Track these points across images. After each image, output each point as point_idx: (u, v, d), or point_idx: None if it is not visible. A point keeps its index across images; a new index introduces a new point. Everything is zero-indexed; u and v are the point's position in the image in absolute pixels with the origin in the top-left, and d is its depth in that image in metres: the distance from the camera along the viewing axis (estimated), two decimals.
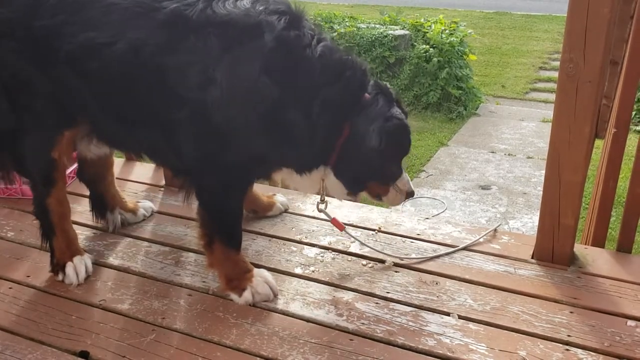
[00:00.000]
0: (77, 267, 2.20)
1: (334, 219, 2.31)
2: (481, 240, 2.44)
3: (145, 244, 2.46)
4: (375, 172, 2.06)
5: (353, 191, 2.14)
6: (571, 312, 2.01)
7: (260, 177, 2.20)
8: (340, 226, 2.32)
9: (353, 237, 2.39)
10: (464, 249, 2.37)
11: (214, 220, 2.08)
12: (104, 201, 2.51)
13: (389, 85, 2.07)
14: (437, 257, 2.33)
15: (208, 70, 1.84)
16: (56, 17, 1.90)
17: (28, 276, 2.24)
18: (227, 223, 2.10)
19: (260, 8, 1.87)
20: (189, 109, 1.90)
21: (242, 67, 1.84)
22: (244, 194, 2.18)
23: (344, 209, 2.69)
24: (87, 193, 2.55)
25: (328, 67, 1.90)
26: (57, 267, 2.21)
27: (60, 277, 2.20)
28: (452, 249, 2.36)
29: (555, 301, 2.07)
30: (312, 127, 1.90)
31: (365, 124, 1.94)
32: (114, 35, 1.88)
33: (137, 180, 3.02)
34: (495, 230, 2.49)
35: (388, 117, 1.97)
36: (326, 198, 2.27)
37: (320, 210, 2.30)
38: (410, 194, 2.17)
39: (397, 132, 2.00)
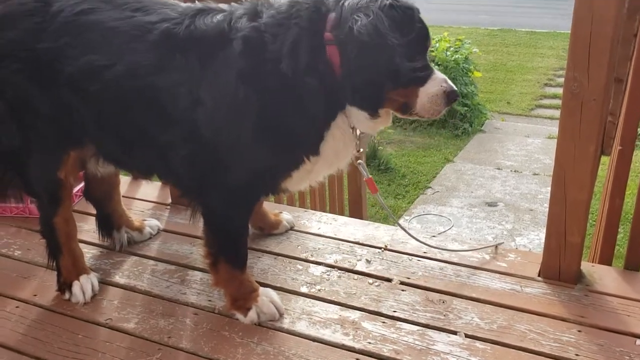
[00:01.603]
0: (84, 286, 2.20)
1: (369, 178, 2.14)
2: (483, 256, 2.43)
3: (152, 262, 2.46)
4: (386, 69, 1.72)
5: (373, 110, 1.81)
6: (579, 331, 2.00)
7: (269, 192, 2.14)
8: (374, 187, 2.14)
9: (382, 204, 2.33)
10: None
11: (218, 240, 2.08)
12: (110, 220, 2.52)
13: None
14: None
15: (193, 90, 1.86)
16: (59, 40, 1.93)
17: (35, 295, 2.24)
18: (232, 243, 2.10)
19: (228, 18, 1.88)
20: (181, 130, 1.91)
21: (221, 79, 1.84)
22: (249, 213, 2.17)
23: (350, 226, 2.69)
24: (94, 211, 2.56)
25: (279, 26, 1.79)
26: (64, 285, 2.22)
27: (67, 295, 2.21)
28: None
29: (563, 320, 2.06)
30: (302, 91, 1.78)
31: (346, 20, 1.70)
32: (113, 57, 1.91)
33: (143, 198, 3.04)
34: (495, 247, 2.48)
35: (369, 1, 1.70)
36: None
37: (357, 164, 2.08)
38: (452, 95, 1.79)
39: (400, 6, 1.73)
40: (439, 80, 1.78)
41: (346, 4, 1.76)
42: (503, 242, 2.58)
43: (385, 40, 1.67)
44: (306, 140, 1.91)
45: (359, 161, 2.07)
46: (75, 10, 1.94)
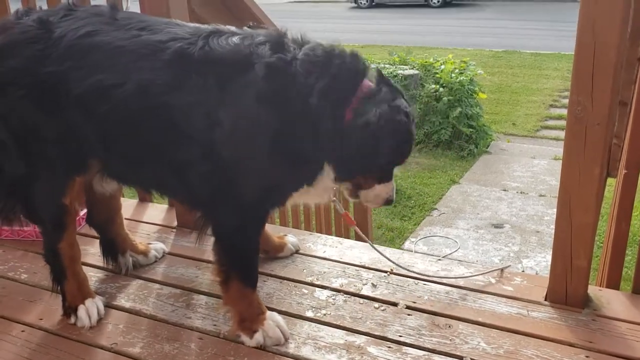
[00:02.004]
0: (89, 310, 2.20)
1: (345, 213, 2.35)
2: (489, 279, 2.42)
3: (157, 286, 2.46)
4: (369, 162, 1.96)
5: (341, 176, 2.02)
6: (587, 357, 1.98)
7: (276, 206, 2.17)
8: (351, 221, 2.36)
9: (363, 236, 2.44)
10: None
11: (230, 256, 2.08)
12: (114, 245, 2.52)
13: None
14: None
15: (211, 111, 1.88)
16: (64, 64, 1.93)
17: (41, 319, 2.24)
18: (244, 259, 2.10)
19: (247, 43, 1.91)
20: (198, 149, 1.92)
21: (240, 102, 1.87)
22: (261, 228, 2.19)
23: (356, 250, 2.69)
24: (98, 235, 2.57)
25: (314, 66, 1.88)
26: (69, 310, 2.22)
27: (72, 320, 2.21)
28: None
29: (570, 345, 2.04)
30: (317, 129, 1.88)
31: (368, 108, 1.88)
32: (122, 77, 1.92)
33: (149, 221, 3.05)
34: (501, 270, 2.48)
35: (393, 105, 1.90)
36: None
37: (332, 202, 2.30)
38: (389, 200, 2.10)
39: (400, 123, 1.91)
40: (390, 187, 2.09)
41: (382, 91, 1.94)
42: (510, 265, 2.57)
43: (385, 147, 1.91)
44: (309, 170, 2.01)
45: (333, 199, 2.28)
46: (78, 34, 1.95)
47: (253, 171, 1.95)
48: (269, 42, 1.91)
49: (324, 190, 2.13)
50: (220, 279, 2.09)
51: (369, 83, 1.95)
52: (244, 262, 2.11)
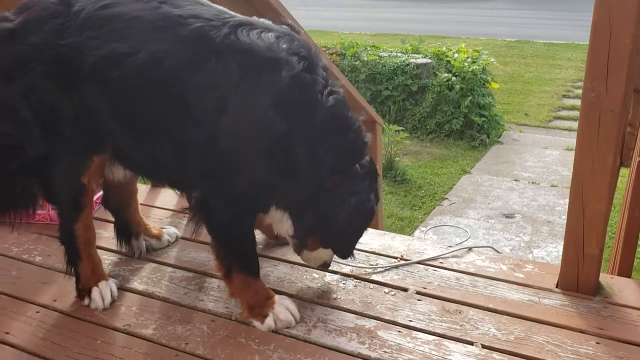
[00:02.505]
0: (103, 292, 2.23)
1: None
2: (500, 267, 2.42)
3: (170, 269, 2.49)
4: (327, 233, 2.09)
5: (296, 237, 2.14)
6: (597, 343, 1.98)
7: (262, 209, 2.15)
8: None
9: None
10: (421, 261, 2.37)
11: (228, 250, 2.10)
12: (129, 228, 2.55)
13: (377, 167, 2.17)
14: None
15: (224, 97, 1.88)
16: (82, 35, 1.94)
17: (55, 300, 2.27)
18: (241, 251, 2.12)
19: (283, 46, 1.90)
20: (202, 130, 1.92)
21: (254, 98, 1.87)
22: (252, 220, 2.17)
23: (366, 236, 2.66)
24: (113, 219, 2.59)
25: (336, 118, 1.95)
26: (83, 291, 2.25)
27: (86, 301, 2.23)
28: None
29: (581, 331, 2.04)
30: (310, 167, 1.93)
31: (351, 191, 2.02)
32: (136, 45, 1.92)
33: (162, 206, 3.07)
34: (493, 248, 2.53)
35: (366, 199, 2.06)
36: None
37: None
38: (325, 265, 2.26)
39: (366, 215, 2.10)
40: (331, 253, 2.20)
41: (366, 180, 2.07)
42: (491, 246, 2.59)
43: (351, 229, 2.13)
44: (287, 189, 2.02)
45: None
46: (97, 5, 1.96)
47: (246, 165, 1.95)
48: (306, 59, 1.91)
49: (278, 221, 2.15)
50: (222, 272, 2.10)
51: (358, 167, 2.05)
52: (242, 253, 2.12)
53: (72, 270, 2.26)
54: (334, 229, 2.06)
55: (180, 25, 1.90)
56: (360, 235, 2.21)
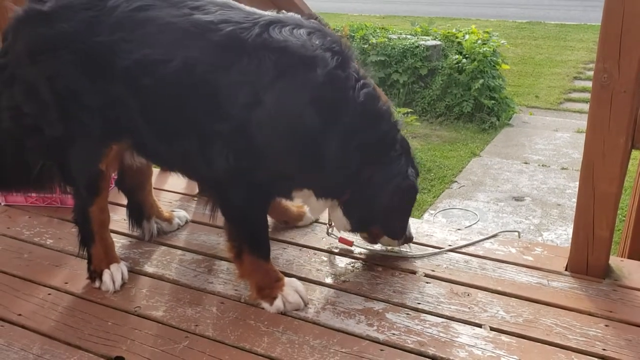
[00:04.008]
0: (114, 275, 2.25)
1: (340, 237, 2.47)
2: (509, 249, 2.41)
3: (179, 252, 2.50)
4: (382, 220, 2.21)
5: (356, 231, 2.27)
6: (606, 326, 1.98)
7: (282, 195, 2.23)
8: (349, 242, 2.47)
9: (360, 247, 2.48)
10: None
11: (240, 232, 2.11)
12: (141, 210, 2.56)
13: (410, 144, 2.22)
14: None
15: (258, 92, 1.90)
16: (114, 34, 1.97)
17: (66, 283, 2.30)
18: (254, 233, 2.14)
19: (317, 42, 1.94)
20: (231, 124, 1.94)
21: (292, 95, 1.91)
22: (268, 206, 2.23)
23: None
24: (124, 202, 2.61)
25: (368, 113, 2.00)
26: (95, 274, 2.27)
27: (97, 283, 2.26)
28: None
29: (590, 314, 2.04)
30: (342, 163, 2.00)
31: (387, 177, 2.09)
32: (169, 52, 1.94)
33: (171, 190, 3.08)
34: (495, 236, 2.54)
35: (405, 176, 2.13)
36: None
37: (329, 234, 2.51)
38: (409, 239, 2.36)
39: (404, 195, 2.17)
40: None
41: (403, 159, 2.15)
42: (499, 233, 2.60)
43: (397, 207, 2.21)
44: (320, 182, 2.10)
45: (329, 231, 2.52)
46: (131, 6, 1.98)
47: (277, 159, 1.99)
48: (340, 55, 1.95)
49: (322, 209, 2.26)
50: (233, 253, 2.12)
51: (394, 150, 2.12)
52: (254, 236, 2.14)
53: (85, 252, 2.29)
54: (380, 215, 2.17)
55: (212, 32, 1.93)
56: (408, 214, 2.30)
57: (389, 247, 2.42)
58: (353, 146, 1.98)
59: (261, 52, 1.89)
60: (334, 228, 2.42)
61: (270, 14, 2.02)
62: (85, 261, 2.29)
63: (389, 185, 2.09)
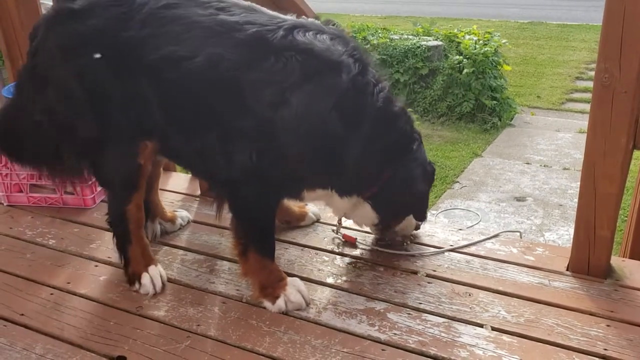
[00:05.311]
0: (154, 278, 2.22)
1: (344, 235, 2.54)
2: (510, 249, 2.42)
3: (181, 252, 2.51)
4: (414, 207, 2.36)
5: (385, 224, 2.34)
6: (608, 326, 1.98)
7: (293, 195, 2.22)
8: (352, 239, 2.51)
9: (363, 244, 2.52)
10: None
11: (248, 230, 2.12)
12: (147, 210, 2.54)
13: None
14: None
15: (284, 92, 1.91)
16: (143, 31, 1.98)
17: (68, 283, 2.30)
18: (261, 232, 2.14)
19: (340, 48, 1.98)
20: (255, 122, 1.95)
21: (319, 98, 1.93)
22: (278, 205, 2.25)
23: None
24: None
25: (386, 116, 2.07)
26: (134, 277, 2.24)
27: (136, 286, 2.23)
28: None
29: (591, 314, 2.04)
30: (365, 164, 2.07)
31: (414, 168, 2.21)
32: (194, 49, 1.96)
33: (173, 190, 3.09)
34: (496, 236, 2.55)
35: (428, 162, 2.30)
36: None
37: (336, 233, 2.55)
38: (417, 227, 2.50)
39: (434, 175, 2.33)
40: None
41: (421, 148, 2.27)
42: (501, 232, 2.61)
43: (425, 193, 2.39)
44: (342, 183, 2.15)
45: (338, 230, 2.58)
46: (159, 3, 2.01)
47: (297, 160, 2.00)
48: (361, 62, 2.01)
49: (344, 207, 2.30)
50: (238, 250, 2.12)
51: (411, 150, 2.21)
52: (261, 234, 2.14)
53: (122, 256, 2.26)
54: (413, 203, 2.33)
55: (237, 31, 1.95)
56: (427, 198, 2.43)
57: (391, 244, 2.46)
58: (376, 149, 2.05)
59: (287, 53, 1.91)
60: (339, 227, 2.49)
61: (292, 18, 2.05)
62: (87, 261, 2.30)
63: (418, 173, 2.21)
